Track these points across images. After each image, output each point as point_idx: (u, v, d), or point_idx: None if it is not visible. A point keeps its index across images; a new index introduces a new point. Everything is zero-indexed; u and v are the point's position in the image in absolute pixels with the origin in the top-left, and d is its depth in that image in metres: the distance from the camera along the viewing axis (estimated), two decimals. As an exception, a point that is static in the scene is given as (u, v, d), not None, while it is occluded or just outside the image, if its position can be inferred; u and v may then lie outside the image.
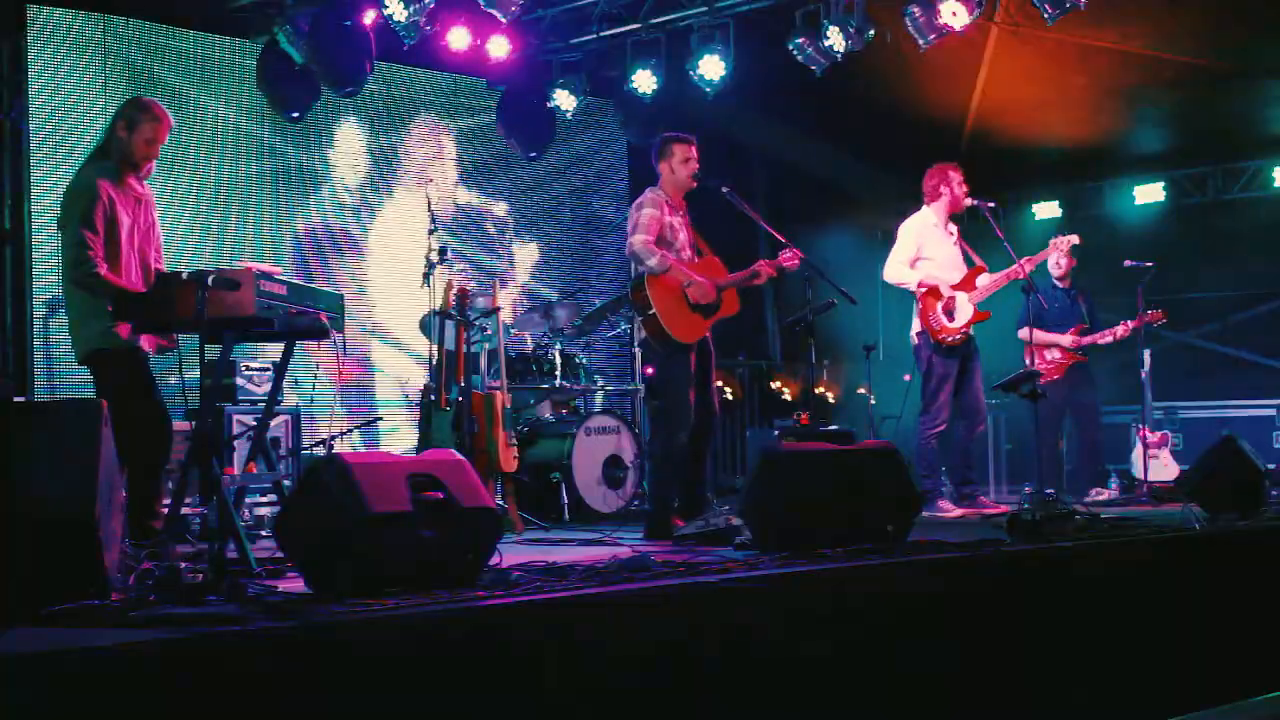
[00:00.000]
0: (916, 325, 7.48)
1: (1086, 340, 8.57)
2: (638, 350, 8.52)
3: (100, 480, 3.56)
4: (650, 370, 7.07)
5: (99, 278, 4.96)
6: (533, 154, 10.58)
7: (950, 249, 7.54)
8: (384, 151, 10.05)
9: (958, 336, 7.35)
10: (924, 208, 7.60)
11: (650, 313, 6.15)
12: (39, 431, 3.58)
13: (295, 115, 9.12)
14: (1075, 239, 8.07)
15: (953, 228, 7.63)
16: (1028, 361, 8.14)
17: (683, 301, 6.18)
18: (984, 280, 7.46)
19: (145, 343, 5.22)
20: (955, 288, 7.41)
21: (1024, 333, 8.28)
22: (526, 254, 10.92)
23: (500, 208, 10.77)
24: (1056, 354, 8.57)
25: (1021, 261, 7.31)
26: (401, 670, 3.15)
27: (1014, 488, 9.35)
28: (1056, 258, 8.51)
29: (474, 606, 3.45)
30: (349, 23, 8.64)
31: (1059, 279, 8.69)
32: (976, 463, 7.69)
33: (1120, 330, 8.55)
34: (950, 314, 7.38)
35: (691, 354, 6.23)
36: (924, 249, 7.49)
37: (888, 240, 7.86)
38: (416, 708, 3.14)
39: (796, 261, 6.32)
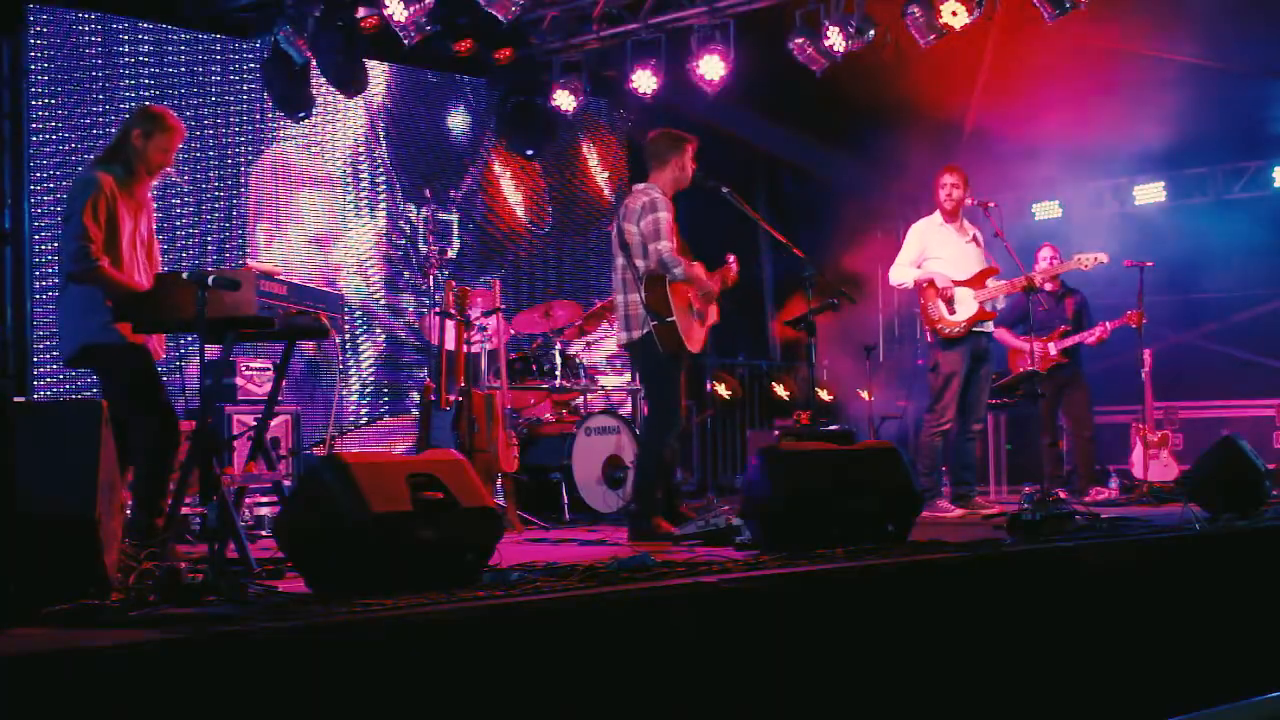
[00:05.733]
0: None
1: (1068, 342, 8.62)
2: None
3: (100, 480, 3.56)
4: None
5: (101, 271, 4.93)
6: (529, 152, 10.56)
7: (961, 248, 7.51)
8: (384, 151, 10.04)
9: (958, 329, 7.35)
10: (936, 210, 7.63)
11: (669, 320, 6.07)
12: (39, 431, 3.58)
13: (299, 115, 9.12)
14: (1104, 258, 8.01)
15: (969, 228, 7.61)
16: (1014, 362, 8.15)
17: (690, 311, 6.20)
18: (993, 282, 7.46)
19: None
20: (960, 283, 7.41)
21: (999, 333, 8.31)
22: (526, 253, 10.91)
23: (499, 207, 10.77)
24: (1038, 350, 8.62)
25: (1035, 271, 7.30)
26: (401, 670, 3.15)
27: (1014, 488, 9.35)
28: (1049, 258, 8.57)
29: (474, 606, 3.45)
30: (349, 23, 8.63)
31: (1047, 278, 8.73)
32: (975, 463, 7.69)
33: (1099, 332, 8.61)
34: (951, 306, 7.38)
35: (686, 361, 6.27)
36: (929, 249, 7.50)
37: (886, 240, 7.87)
38: (416, 708, 3.14)
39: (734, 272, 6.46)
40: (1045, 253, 8.75)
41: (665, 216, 6.17)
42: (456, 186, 10.42)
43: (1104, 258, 8.02)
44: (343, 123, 9.78)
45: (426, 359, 9.69)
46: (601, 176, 11.50)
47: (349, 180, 9.81)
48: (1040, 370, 8.62)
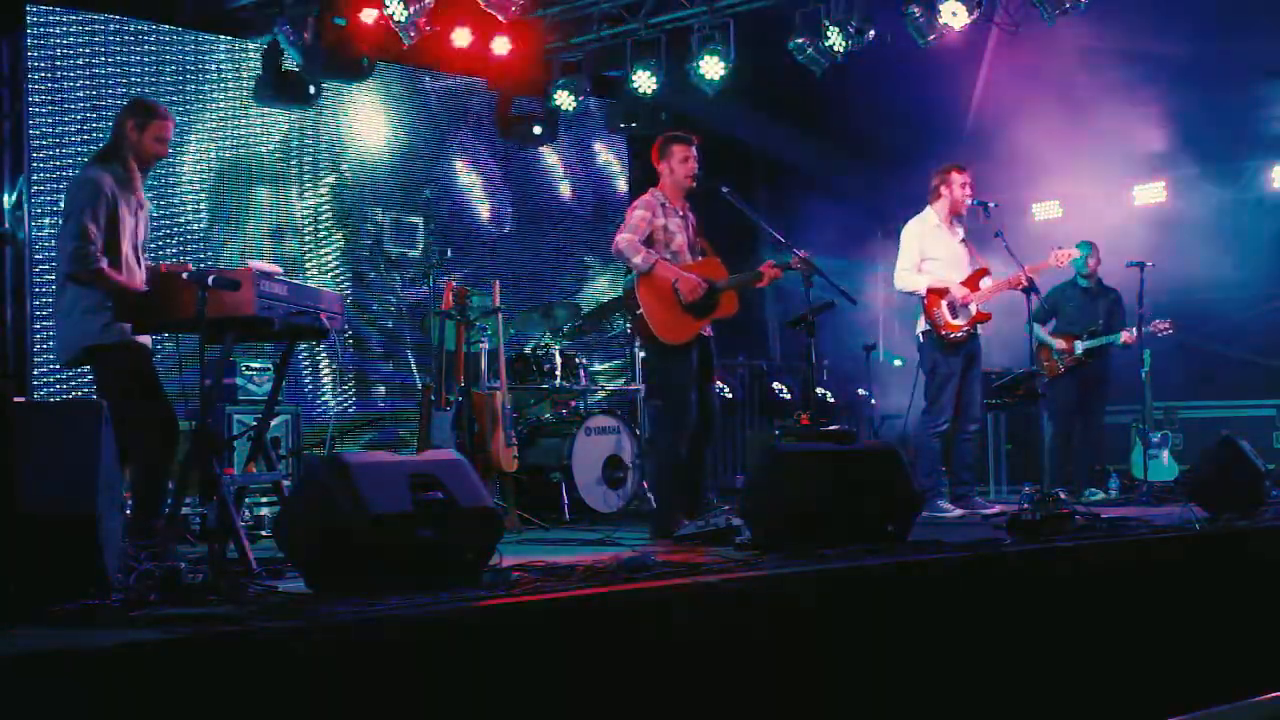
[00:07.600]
0: (922, 324, 7.49)
1: (1092, 343, 8.61)
2: (640, 352, 8.53)
3: (100, 480, 3.56)
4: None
5: (100, 272, 4.94)
6: (527, 150, 10.56)
7: (954, 248, 7.55)
8: (381, 151, 10.04)
9: (961, 334, 7.37)
10: (926, 208, 7.60)
11: (638, 313, 6.16)
12: (39, 431, 3.57)
13: (297, 114, 9.12)
14: (1075, 253, 8.04)
15: (959, 228, 7.62)
16: (1034, 359, 8.13)
17: (674, 302, 6.17)
18: (987, 283, 7.47)
19: None
20: (961, 285, 7.43)
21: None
22: (527, 254, 10.91)
23: (501, 208, 10.77)
24: (1062, 346, 8.61)
25: (1024, 270, 7.31)
26: (402, 670, 3.15)
27: (1014, 488, 9.34)
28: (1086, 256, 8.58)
29: (474, 606, 3.45)
30: (349, 22, 8.63)
31: (1084, 276, 8.72)
32: (975, 463, 7.69)
33: (1125, 337, 8.59)
34: (955, 311, 7.39)
35: (692, 353, 6.22)
36: (926, 250, 7.50)
37: (886, 240, 7.87)
38: (416, 708, 3.14)
39: (799, 264, 6.34)
40: (1083, 249, 8.73)
41: (638, 213, 6.22)
42: (454, 187, 10.42)
43: (1075, 253, 8.02)
44: (340, 122, 9.77)
45: (425, 358, 9.70)
46: (600, 177, 11.49)
47: (345, 180, 9.81)
48: (1057, 369, 8.61)
